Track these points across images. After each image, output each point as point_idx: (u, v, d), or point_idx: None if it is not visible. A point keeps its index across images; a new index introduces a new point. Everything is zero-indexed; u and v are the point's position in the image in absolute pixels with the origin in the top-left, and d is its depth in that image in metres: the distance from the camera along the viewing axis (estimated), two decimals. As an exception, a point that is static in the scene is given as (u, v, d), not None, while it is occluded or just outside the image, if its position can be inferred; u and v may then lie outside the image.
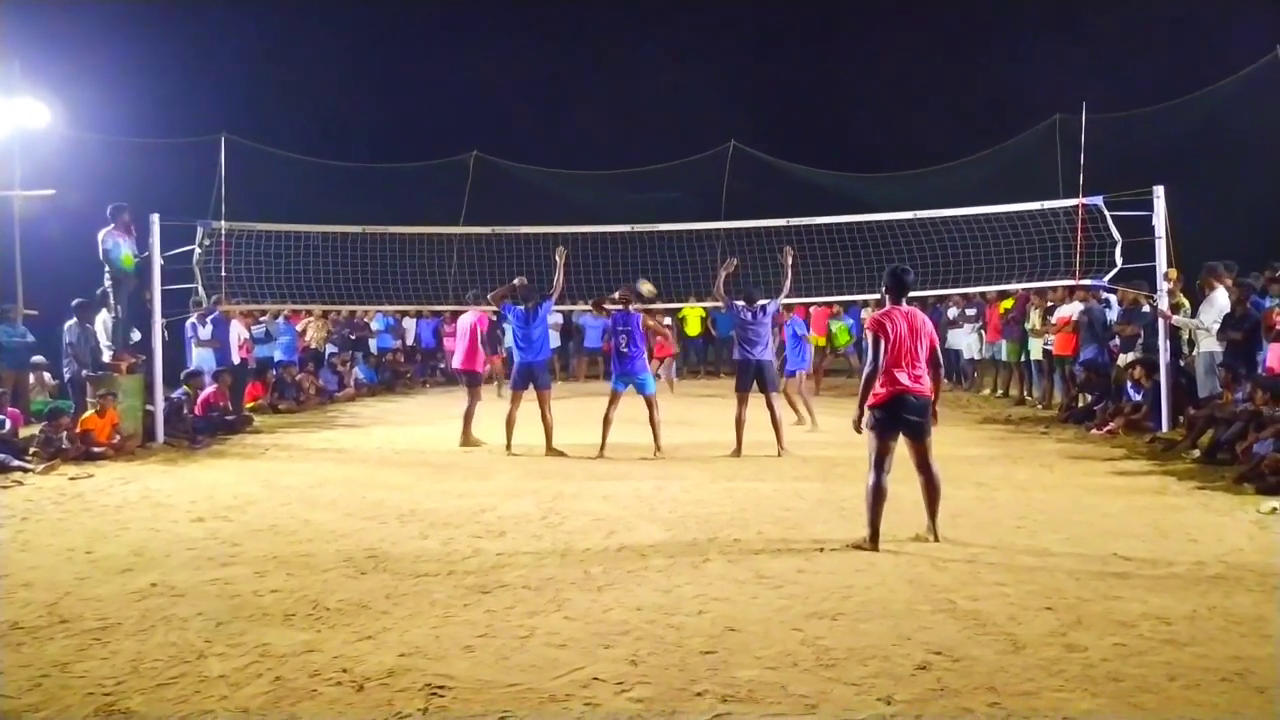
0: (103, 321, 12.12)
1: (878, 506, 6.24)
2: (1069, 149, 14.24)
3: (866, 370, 6.37)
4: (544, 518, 7.41)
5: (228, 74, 22.44)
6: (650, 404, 10.40)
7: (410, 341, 20.58)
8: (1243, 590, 5.28)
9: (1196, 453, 9.46)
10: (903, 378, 6.24)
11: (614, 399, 10.51)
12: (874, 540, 6.22)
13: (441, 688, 4.08)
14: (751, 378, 10.37)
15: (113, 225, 11.57)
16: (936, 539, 6.36)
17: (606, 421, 10.43)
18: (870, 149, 22.52)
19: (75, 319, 12.03)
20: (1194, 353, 11.38)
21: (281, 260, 13.16)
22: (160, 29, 21.69)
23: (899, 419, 6.25)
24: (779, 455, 10.15)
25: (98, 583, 5.76)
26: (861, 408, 6.34)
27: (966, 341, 17.03)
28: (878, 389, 6.26)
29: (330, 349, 18.01)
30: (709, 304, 16.27)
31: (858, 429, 6.41)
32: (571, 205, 20.18)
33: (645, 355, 10.39)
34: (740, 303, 10.53)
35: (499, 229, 14.37)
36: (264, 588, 5.60)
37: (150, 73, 20.01)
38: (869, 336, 6.41)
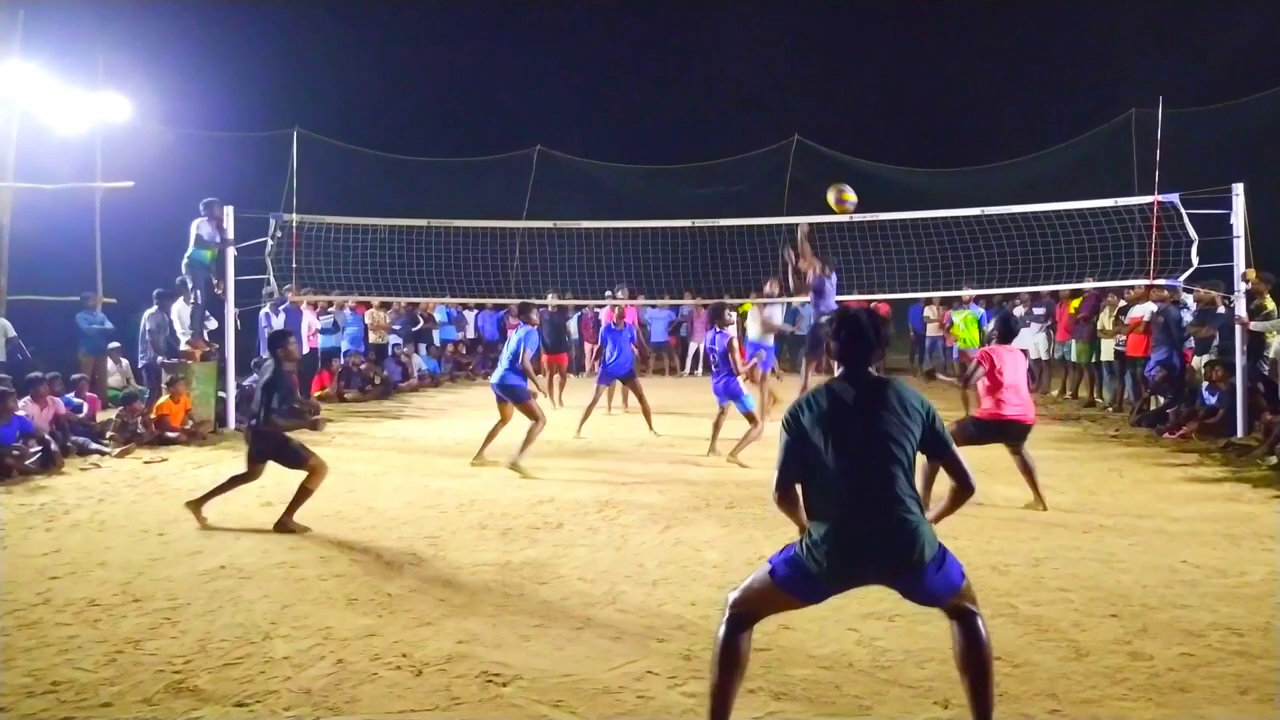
0: (178, 311, 12.51)
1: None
2: (1145, 144, 13.86)
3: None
4: (600, 510, 7.46)
5: (301, 70, 22.92)
6: (749, 418, 9.70)
7: (472, 334, 20.86)
8: (1320, 603, 5.10)
9: (1273, 459, 9.14)
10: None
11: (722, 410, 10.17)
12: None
13: (497, 675, 4.14)
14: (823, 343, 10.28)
15: (206, 217, 11.97)
16: (1045, 507, 7.32)
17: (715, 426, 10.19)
18: (939, 143, 22.18)
19: (156, 307, 12.45)
20: (1275, 355, 10.99)
21: (349, 252, 13.43)
22: (237, 26, 22.29)
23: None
24: None
25: (169, 564, 5.95)
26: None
27: (1034, 341, 16.66)
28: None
29: (394, 340, 18.31)
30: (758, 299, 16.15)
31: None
32: (633, 200, 20.24)
33: (733, 373, 9.96)
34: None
35: (560, 223, 14.47)
36: (328, 572, 5.73)
37: (227, 68, 20.56)
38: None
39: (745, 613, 3.46)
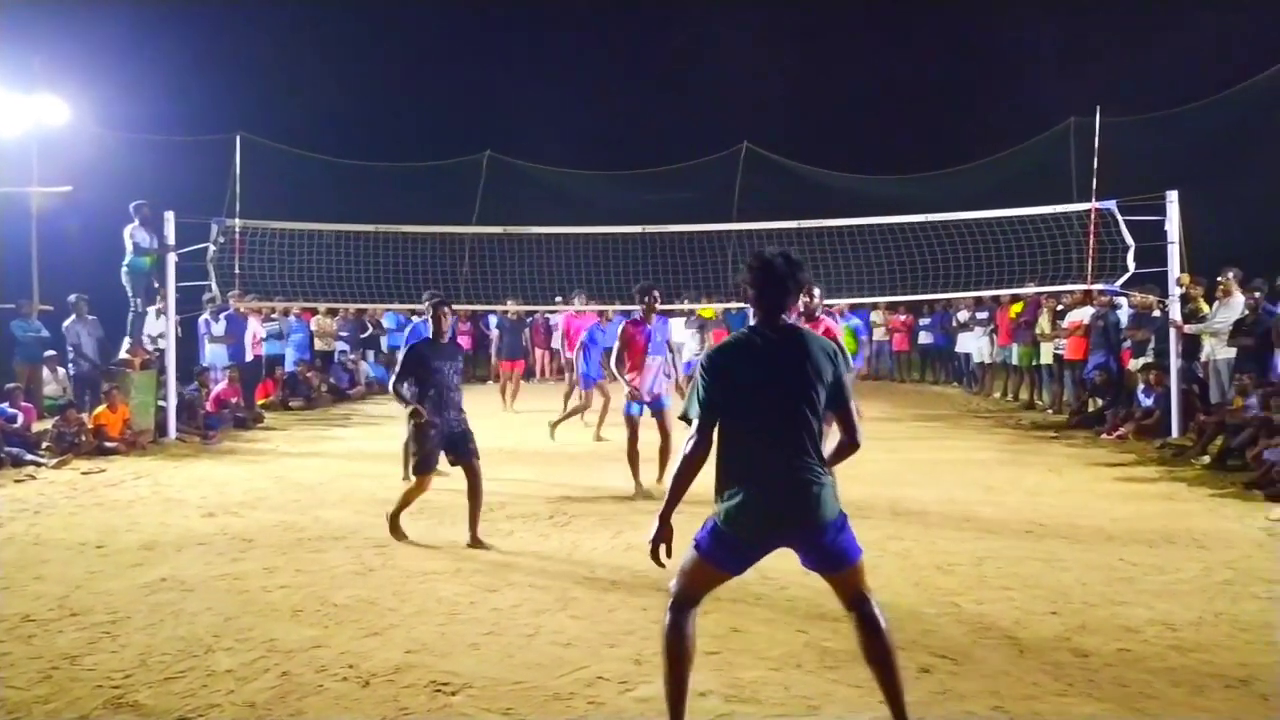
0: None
1: None
2: (1084, 152, 14.18)
3: None
4: (552, 517, 7.44)
5: (244, 73, 22.57)
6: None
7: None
8: (1249, 597, 5.26)
9: (1206, 459, 9.42)
10: None
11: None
12: None
13: (446, 684, 4.11)
14: None
15: (137, 221, 11.74)
16: None
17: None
18: (884, 149, 22.46)
19: (74, 316, 12.23)
20: (1206, 358, 11.31)
21: (294, 258, 13.23)
22: (177, 28, 21.87)
23: None
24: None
25: (108, 577, 5.81)
26: None
27: (977, 345, 16.99)
28: None
29: (340, 347, 18.09)
30: (720, 305, 16.29)
31: None
32: (584, 205, 20.22)
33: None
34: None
35: (511, 229, 14.42)
36: (273, 583, 5.64)
37: (167, 71, 20.17)
38: None
39: (683, 597, 3.48)
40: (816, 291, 7.41)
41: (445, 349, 6.75)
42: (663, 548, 3.48)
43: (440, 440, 6.54)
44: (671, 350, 8.81)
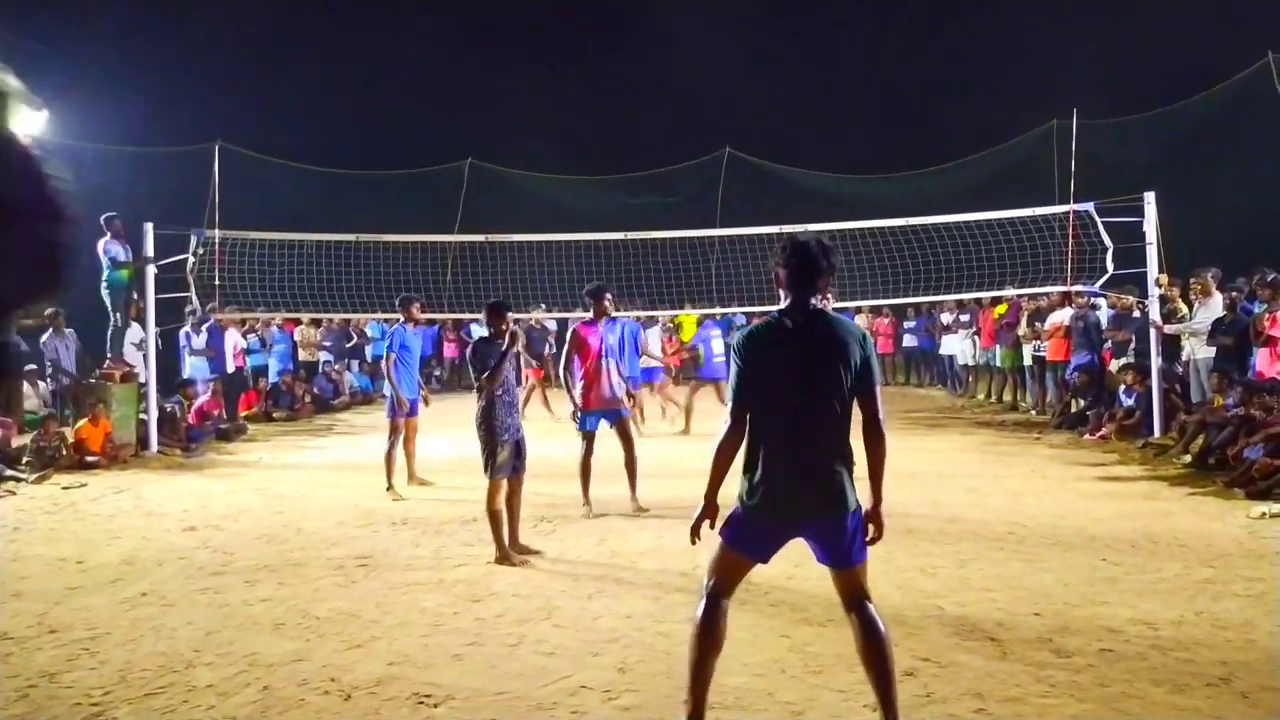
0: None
1: None
2: (1065, 154, 14.29)
3: None
4: (536, 525, 7.42)
5: (222, 82, 22.42)
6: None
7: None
8: (1230, 595, 5.30)
9: (1188, 458, 9.48)
10: None
11: None
12: None
13: (429, 696, 4.09)
14: None
15: (109, 234, 11.64)
16: None
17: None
18: (866, 150, 22.48)
19: (50, 331, 12.14)
20: (1187, 358, 11.40)
21: (276, 268, 13.18)
22: (154, 38, 21.70)
23: None
24: None
25: (88, 592, 5.76)
26: None
27: (960, 347, 17.08)
28: None
29: (324, 357, 18.01)
30: (703, 311, 16.30)
31: None
32: (566, 212, 20.23)
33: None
34: None
35: (493, 236, 14.40)
36: (254, 597, 5.60)
37: (144, 81, 19.99)
38: None
39: (717, 589, 3.57)
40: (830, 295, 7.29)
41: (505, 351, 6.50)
42: (706, 523, 3.58)
43: (513, 445, 6.43)
44: (638, 352, 8.70)
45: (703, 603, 3.56)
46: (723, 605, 3.55)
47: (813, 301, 3.54)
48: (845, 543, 3.46)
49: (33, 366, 13.55)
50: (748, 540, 3.54)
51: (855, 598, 3.50)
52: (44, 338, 12.43)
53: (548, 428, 12.08)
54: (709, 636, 3.51)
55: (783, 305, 3.58)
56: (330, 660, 4.54)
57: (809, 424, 3.44)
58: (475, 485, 8.96)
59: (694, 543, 3.58)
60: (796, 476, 3.44)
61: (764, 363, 3.49)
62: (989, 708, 3.88)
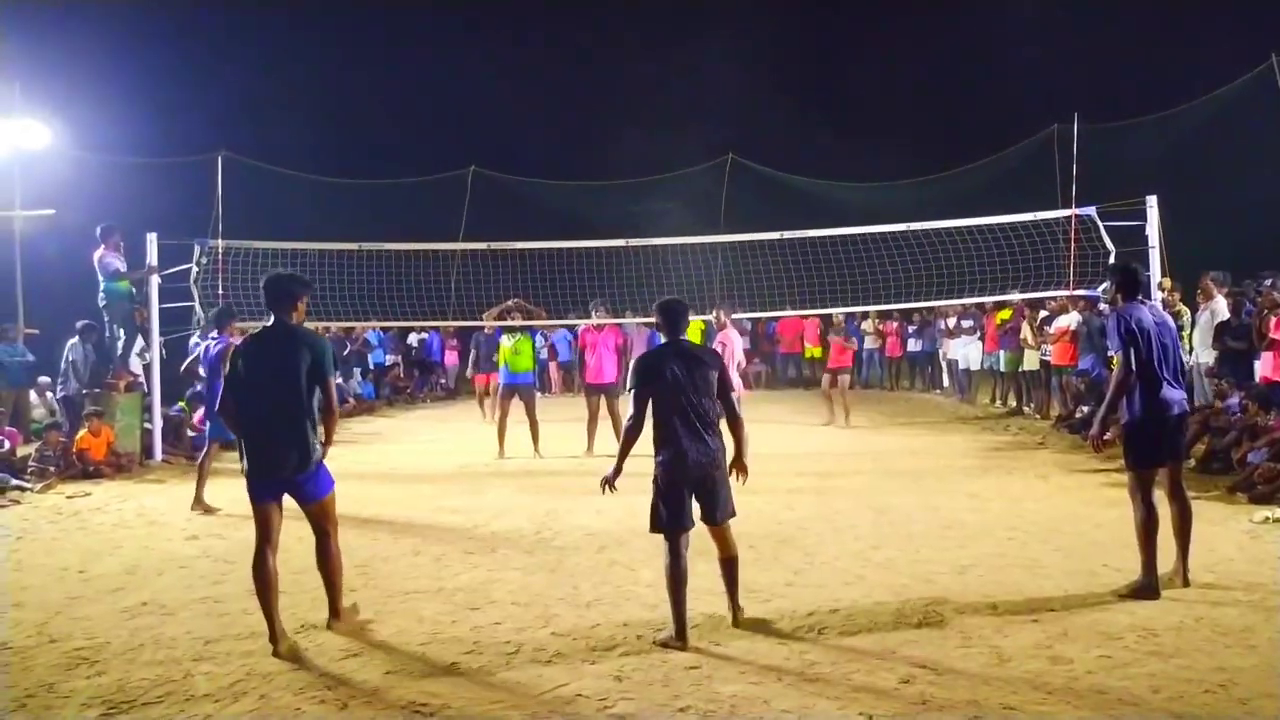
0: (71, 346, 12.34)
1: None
2: (1067, 159, 14.28)
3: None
4: (537, 533, 7.42)
5: (225, 93, 22.54)
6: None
7: (413, 355, 20.84)
8: (1230, 601, 5.28)
9: (1191, 462, 9.44)
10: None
11: None
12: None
13: (425, 705, 4.09)
14: None
15: (104, 245, 11.61)
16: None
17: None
18: (868, 157, 22.48)
19: (78, 338, 12.16)
20: (1191, 362, 11.36)
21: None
22: (158, 50, 21.82)
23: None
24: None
25: (89, 602, 5.78)
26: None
27: (964, 352, 17.04)
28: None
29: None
30: (707, 316, 16.30)
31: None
32: (569, 219, 20.24)
33: None
34: None
35: (495, 244, 14.42)
36: (253, 605, 5.57)
37: (149, 93, 20.10)
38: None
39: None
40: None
41: None
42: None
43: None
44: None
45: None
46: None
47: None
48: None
49: (46, 379, 13.62)
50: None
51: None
52: (71, 341, 12.42)
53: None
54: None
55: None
56: (327, 669, 4.55)
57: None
58: (476, 490, 8.99)
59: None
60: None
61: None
62: (985, 716, 3.87)
